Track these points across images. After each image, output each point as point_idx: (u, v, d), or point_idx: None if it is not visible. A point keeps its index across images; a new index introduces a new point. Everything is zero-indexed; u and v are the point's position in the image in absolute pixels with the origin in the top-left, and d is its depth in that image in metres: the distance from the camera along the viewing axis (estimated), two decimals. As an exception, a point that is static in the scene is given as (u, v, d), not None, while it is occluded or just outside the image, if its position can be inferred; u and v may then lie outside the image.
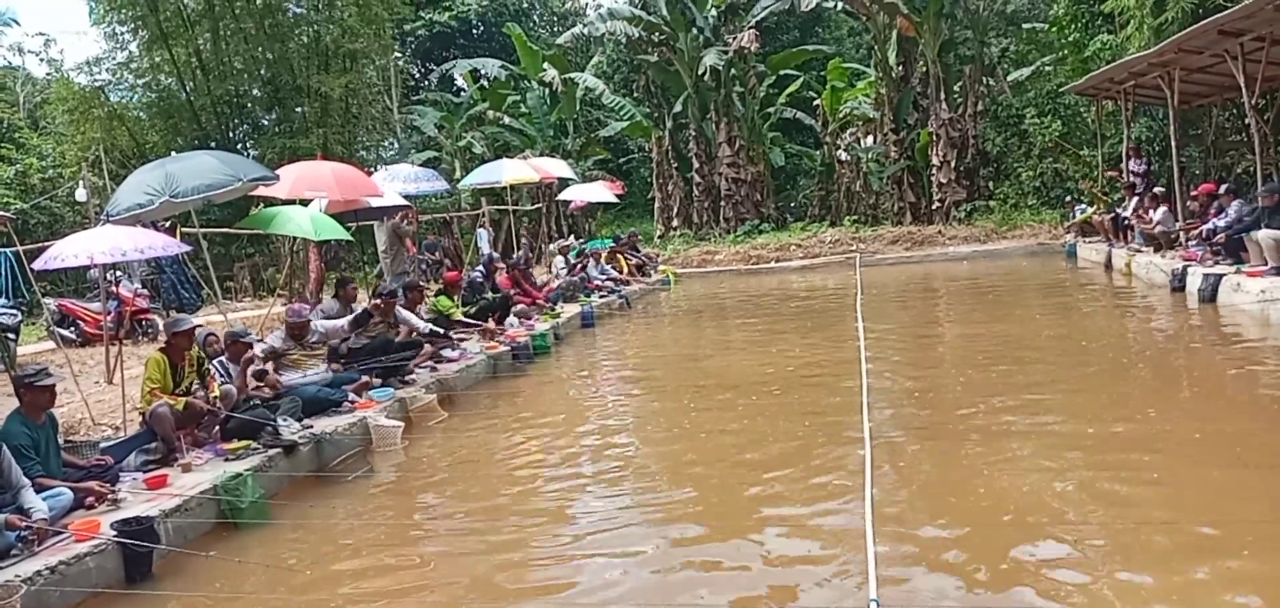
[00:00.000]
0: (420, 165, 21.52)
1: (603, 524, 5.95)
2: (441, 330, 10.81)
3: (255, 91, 27.33)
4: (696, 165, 28.35)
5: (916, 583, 4.60)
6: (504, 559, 5.51)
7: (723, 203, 27.89)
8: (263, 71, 26.52)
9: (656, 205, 29.58)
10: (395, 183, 15.37)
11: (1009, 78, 25.74)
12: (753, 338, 13.41)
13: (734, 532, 5.53)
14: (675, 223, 28.71)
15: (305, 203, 12.12)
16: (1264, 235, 11.63)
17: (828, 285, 19.07)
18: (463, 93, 35.60)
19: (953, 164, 24.39)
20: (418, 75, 39.92)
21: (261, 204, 12.42)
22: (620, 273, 19.62)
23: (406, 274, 14.22)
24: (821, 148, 29.53)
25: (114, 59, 27.01)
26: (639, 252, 22.06)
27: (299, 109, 26.30)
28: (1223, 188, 13.76)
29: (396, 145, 32.58)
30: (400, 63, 34.96)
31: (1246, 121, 13.60)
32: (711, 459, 7.20)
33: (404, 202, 15.00)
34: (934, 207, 24.79)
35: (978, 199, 24.38)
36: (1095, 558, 4.72)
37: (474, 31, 38.70)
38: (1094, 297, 14.64)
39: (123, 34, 26.40)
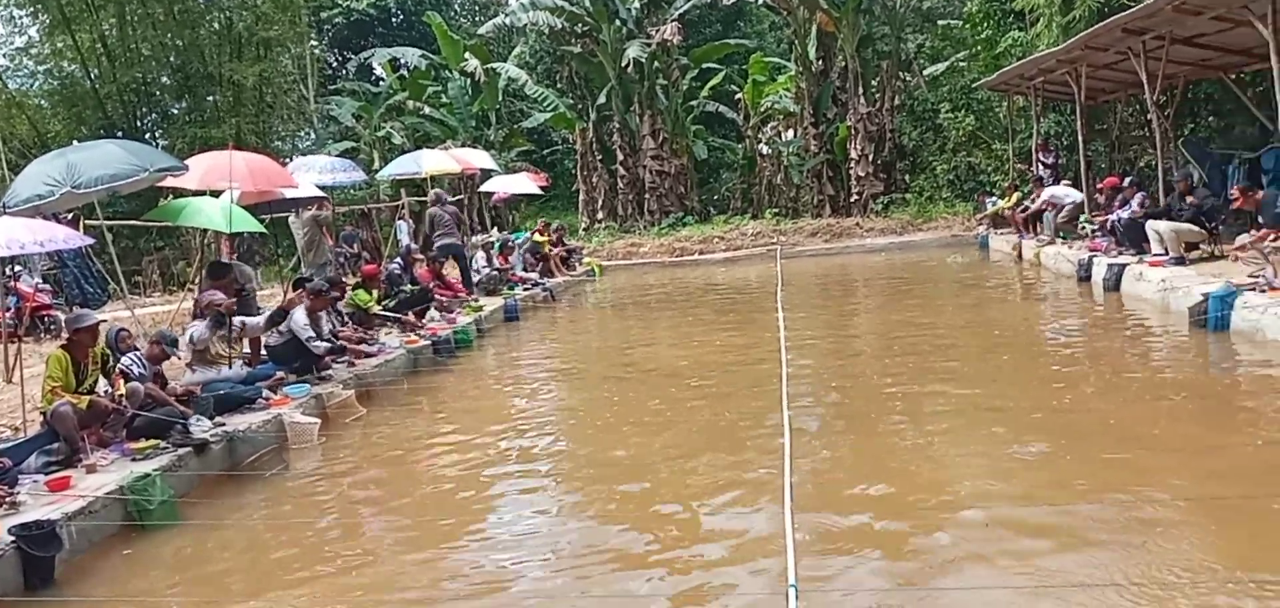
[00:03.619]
0: (337, 156, 21.07)
1: (525, 519, 5.90)
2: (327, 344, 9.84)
3: (164, 79, 26.43)
4: (621, 158, 28.35)
5: (835, 565, 4.67)
6: (424, 556, 5.43)
7: (647, 195, 27.95)
8: (172, 59, 25.67)
9: (581, 198, 29.51)
10: (310, 174, 15.00)
11: (925, 73, 26.33)
12: (677, 329, 13.47)
13: (656, 522, 5.54)
14: (600, 215, 28.68)
15: (217, 194, 11.76)
16: (1164, 226, 12.15)
17: (750, 277, 19.26)
18: (381, 82, 34.97)
19: (870, 157, 24.86)
20: (335, 64, 39.10)
21: (171, 195, 11.99)
22: (547, 257, 19.49)
23: (327, 266, 13.92)
24: (744, 141, 29.82)
25: (12, 44, 25.90)
26: (565, 244, 21.96)
27: (211, 98, 25.54)
28: (1126, 181, 14.31)
29: (313, 135, 31.85)
30: (317, 51, 34.20)
31: (1149, 117, 14.15)
32: (634, 450, 7.20)
33: (320, 192, 14.66)
34: (852, 199, 25.23)
35: (894, 192, 24.91)
36: (1013, 539, 4.85)
37: (393, 20, 38.04)
38: (1006, 286, 15.08)
39: (21, 18, 25.31)
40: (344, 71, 37.85)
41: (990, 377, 8.66)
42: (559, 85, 31.36)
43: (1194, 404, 7.34)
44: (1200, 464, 5.82)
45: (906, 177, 25.34)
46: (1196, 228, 12.10)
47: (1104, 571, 4.34)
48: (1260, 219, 10.21)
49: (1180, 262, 11.73)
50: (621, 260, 23.95)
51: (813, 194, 26.50)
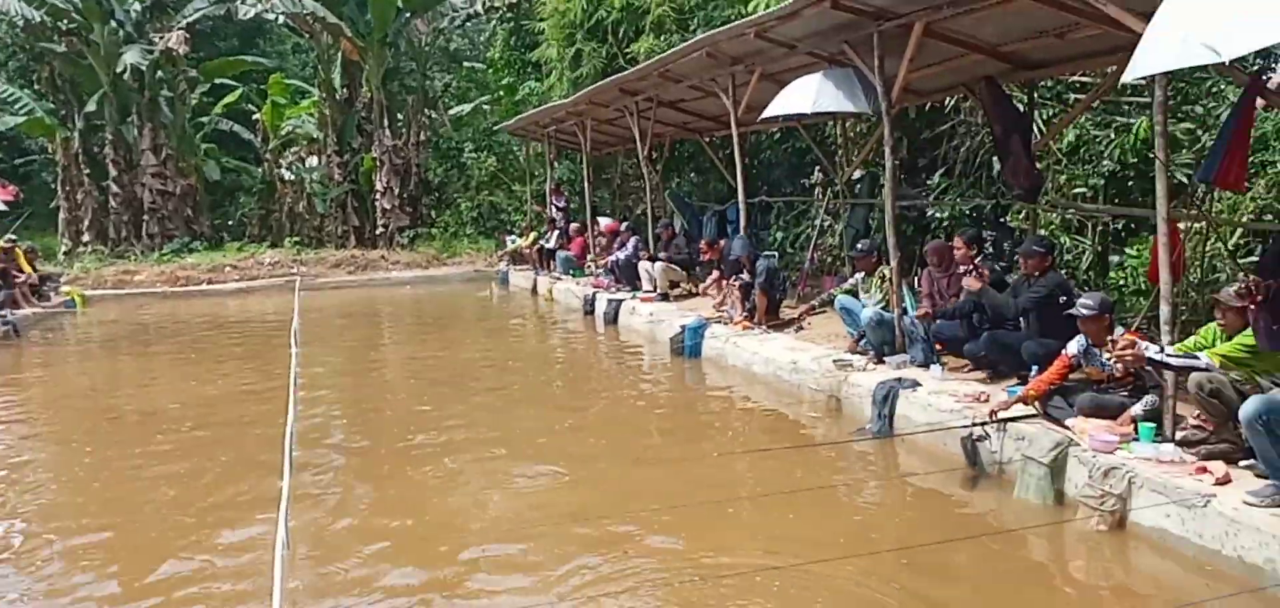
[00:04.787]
0: None
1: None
2: None
3: None
4: (114, 174, 25.14)
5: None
6: None
7: (146, 217, 25.12)
8: None
9: (62, 216, 25.66)
10: None
11: (450, 112, 26.99)
12: (176, 368, 12.17)
13: (135, 587, 4.90)
14: (87, 237, 25.16)
15: None
16: (656, 267, 13.64)
17: (266, 309, 18.14)
18: None
19: (396, 191, 24.84)
20: None
21: None
22: (12, 282, 16.52)
23: None
24: (263, 165, 28.11)
25: None
26: (36, 268, 18.81)
27: None
28: (624, 225, 15.87)
29: None
30: None
31: (644, 169, 15.80)
32: (112, 509, 6.32)
33: None
34: (378, 232, 24.99)
35: (420, 226, 25.16)
36: (527, 561, 5.07)
37: None
38: (522, 320, 15.87)
39: None
40: None
41: (507, 407, 9.02)
42: (37, 86, 27.02)
43: (671, 423, 8.30)
44: (675, 475, 6.58)
45: (432, 212, 25.73)
46: (678, 268, 13.79)
47: (597, 585, 4.69)
48: (721, 266, 11.89)
49: (665, 298, 13.26)
50: (112, 289, 21.18)
51: (337, 224, 25.76)
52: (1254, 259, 7.61)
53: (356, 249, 24.39)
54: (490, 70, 25.33)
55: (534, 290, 18.19)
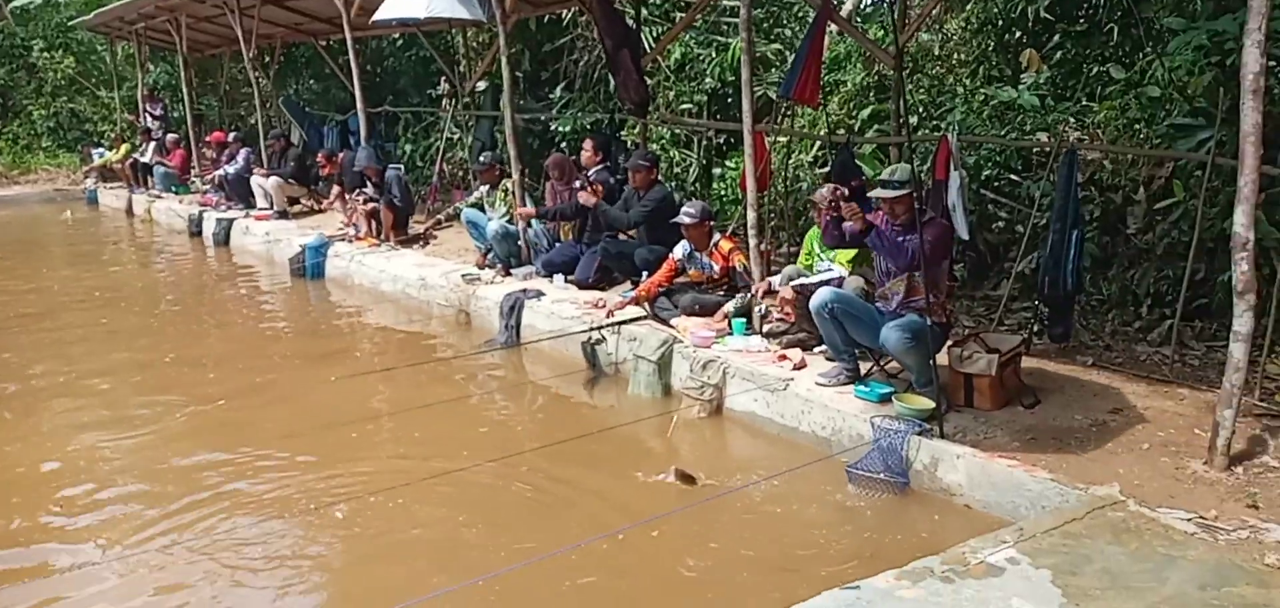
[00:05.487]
0: None
1: None
2: None
3: None
4: None
5: None
6: None
7: None
8: None
9: None
10: None
11: (11, 5, 22.98)
12: None
13: None
14: None
15: None
16: (270, 182, 12.71)
17: None
18: None
19: (-55, 96, 20.88)
20: None
21: None
22: None
23: None
24: None
25: None
26: None
27: None
28: (232, 136, 14.60)
29: None
30: None
31: (256, 75, 14.51)
32: None
33: None
34: (-77, 145, 20.93)
35: (-19, 139, 21.42)
36: (116, 510, 4.61)
37: None
38: (117, 244, 14.10)
39: None
40: None
41: (99, 342, 8.02)
42: None
43: (292, 349, 7.84)
44: (296, 404, 6.27)
45: (-3, 121, 22.00)
46: (299, 184, 12.96)
47: (195, 528, 4.35)
48: (342, 180, 11.34)
49: (283, 215, 12.45)
50: None
51: None
52: (826, 170, 8.64)
53: (-107, 167, 20.27)
54: (62, -45, 21.86)
55: (129, 211, 16.21)
